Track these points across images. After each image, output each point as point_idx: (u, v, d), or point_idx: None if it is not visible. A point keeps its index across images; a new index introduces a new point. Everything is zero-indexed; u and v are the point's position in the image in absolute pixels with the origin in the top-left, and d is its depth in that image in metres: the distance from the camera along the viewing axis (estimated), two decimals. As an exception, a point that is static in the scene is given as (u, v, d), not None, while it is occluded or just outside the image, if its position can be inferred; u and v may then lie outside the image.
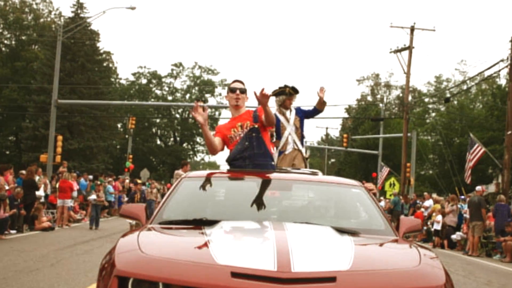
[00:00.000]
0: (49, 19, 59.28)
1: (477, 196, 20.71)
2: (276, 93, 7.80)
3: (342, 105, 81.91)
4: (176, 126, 74.36)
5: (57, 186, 22.89)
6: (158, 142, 75.32)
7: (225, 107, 40.92)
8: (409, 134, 41.49)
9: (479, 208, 19.99)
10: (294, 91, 7.85)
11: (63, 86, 42.86)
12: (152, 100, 70.92)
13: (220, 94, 74.10)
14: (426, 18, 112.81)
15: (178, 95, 74.32)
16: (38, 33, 55.16)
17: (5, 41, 58.42)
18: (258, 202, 4.80)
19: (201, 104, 5.69)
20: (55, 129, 34.41)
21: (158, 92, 74.26)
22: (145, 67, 73.73)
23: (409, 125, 43.78)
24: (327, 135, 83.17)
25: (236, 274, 3.11)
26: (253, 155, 5.59)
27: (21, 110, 50.46)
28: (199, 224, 4.28)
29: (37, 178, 21.46)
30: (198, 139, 75.27)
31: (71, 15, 50.95)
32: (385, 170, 44.47)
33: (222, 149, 5.94)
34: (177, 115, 74.34)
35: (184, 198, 4.90)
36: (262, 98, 5.38)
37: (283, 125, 7.72)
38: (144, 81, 74.04)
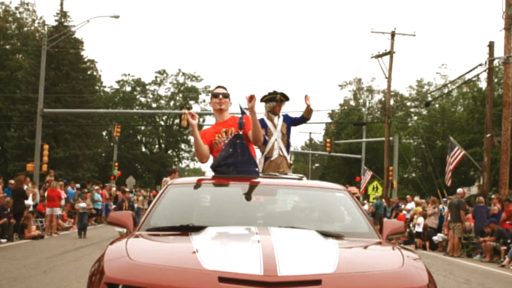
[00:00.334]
0: (32, 28, 59.00)
1: (457, 198, 20.97)
2: (266, 99, 7.77)
3: (325, 110, 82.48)
4: (161, 133, 74.33)
5: (45, 195, 23.00)
6: (143, 149, 75.19)
7: (210, 114, 41.22)
8: (391, 138, 41.81)
9: (459, 209, 20.39)
10: (285, 98, 7.80)
11: (48, 95, 42.85)
12: (137, 107, 70.81)
13: (204, 101, 73.82)
14: (407, 23, 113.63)
15: (163, 102, 74.32)
16: (22, 42, 54.96)
17: (-11, 51, 58.14)
18: (244, 207, 4.88)
19: (192, 111, 5.95)
20: (41, 138, 34.50)
21: (143, 99, 74.24)
22: (129, 74, 73.58)
23: (392, 129, 44.07)
24: (310, 140, 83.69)
25: (223, 279, 3.18)
26: (237, 162, 5.61)
27: (6, 120, 50.27)
28: (186, 230, 4.32)
29: (25, 187, 21.61)
30: (183, 145, 75.31)
31: (55, 23, 50.83)
32: (368, 174, 44.77)
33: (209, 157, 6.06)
34: (162, 122, 74.36)
35: (170, 205, 4.92)
36: (250, 100, 5.44)
37: (270, 131, 7.67)
38: (128, 88, 73.82)
